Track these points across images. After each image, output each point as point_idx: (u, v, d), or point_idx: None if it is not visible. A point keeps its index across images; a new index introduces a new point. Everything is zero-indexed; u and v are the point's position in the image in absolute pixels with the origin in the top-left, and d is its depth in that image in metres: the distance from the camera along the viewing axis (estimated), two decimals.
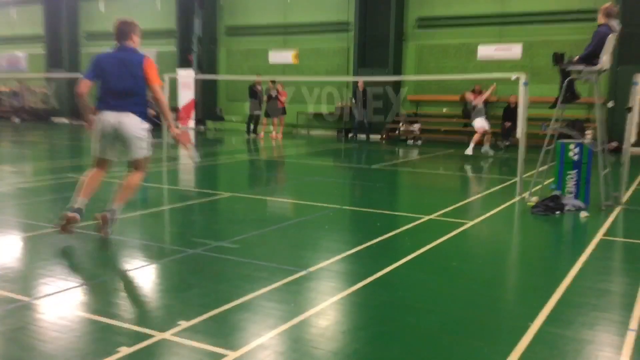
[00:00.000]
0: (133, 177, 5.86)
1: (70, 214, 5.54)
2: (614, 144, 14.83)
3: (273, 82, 19.02)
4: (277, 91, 19.01)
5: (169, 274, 4.85)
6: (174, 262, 5.12)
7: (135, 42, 5.86)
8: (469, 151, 14.46)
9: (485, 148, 14.66)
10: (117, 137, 5.67)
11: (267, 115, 19.27)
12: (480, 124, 14.55)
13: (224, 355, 3.25)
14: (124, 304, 4.08)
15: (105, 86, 5.67)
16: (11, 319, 3.74)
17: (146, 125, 5.79)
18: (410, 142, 18.15)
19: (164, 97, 5.92)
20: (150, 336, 3.48)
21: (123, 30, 5.80)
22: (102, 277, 4.70)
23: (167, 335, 3.50)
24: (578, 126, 13.77)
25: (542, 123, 15.28)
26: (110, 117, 5.60)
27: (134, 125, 5.63)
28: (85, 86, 5.67)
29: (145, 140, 5.77)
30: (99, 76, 5.68)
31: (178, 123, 5.93)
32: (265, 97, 18.98)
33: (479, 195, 8.86)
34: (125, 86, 5.62)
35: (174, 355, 3.28)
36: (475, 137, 14.59)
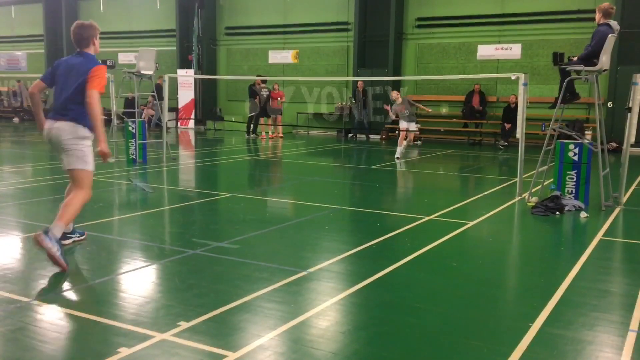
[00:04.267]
0: (72, 195, 5.08)
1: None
2: (614, 144, 14.85)
3: (264, 81, 18.99)
4: (269, 91, 18.98)
5: (169, 275, 4.85)
6: (174, 262, 5.12)
7: (95, 48, 5.30)
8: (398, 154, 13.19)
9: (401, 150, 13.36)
10: (54, 146, 5.18)
11: (265, 115, 19.27)
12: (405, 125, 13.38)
13: (224, 356, 3.25)
14: (124, 305, 4.08)
15: (54, 93, 5.24)
16: (11, 320, 3.74)
17: (86, 134, 5.09)
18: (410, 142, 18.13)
19: (98, 106, 4.96)
20: (150, 337, 3.48)
21: (81, 35, 5.22)
22: (102, 278, 4.70)
23: (167, 335, 3.50)
24: (578, 126, 13.84)
25: (542, 123, 15.31)
26: (48, 125, 5.14)
27: (66, 132, 5.02)
28: (36, 86, 5.28)
29: (80, 150, 5.06)
30: (52, 82, 5.26)
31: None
32: (257, 98, 18.96)
33: (479, 196, 8.86)
34: (67, 93, 5.08)
35: (174, 355, 3.28)
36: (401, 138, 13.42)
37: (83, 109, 5.00)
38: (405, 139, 13.34)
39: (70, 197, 5.08)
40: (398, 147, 13.31)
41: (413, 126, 13.47)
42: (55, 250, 4.66)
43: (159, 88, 14.67)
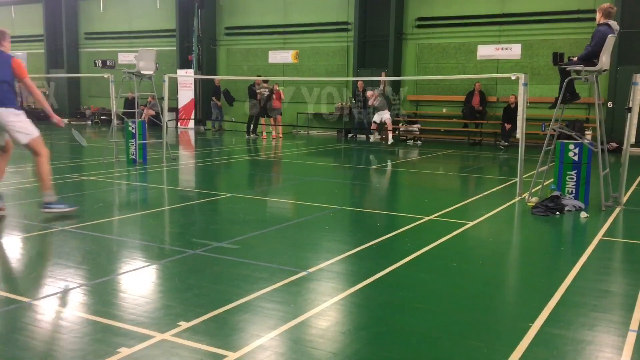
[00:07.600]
0: (37, 165, 6.69)
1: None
2: (614, 144, 14.85)
3: (265, 81, 19.01)
4: (270, 90, 18.98)
5: (169, 275, 4.85)
6: (174, 262, 5.12)
7: (6, 48, 6.63)
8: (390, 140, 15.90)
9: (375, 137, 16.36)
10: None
11: (265, 115, 19.26)
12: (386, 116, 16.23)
13: (224, 356, 3.25)
14: (124, 305, 4.08)
15: None
16: (11, 320, 3.74)
17: (18, 112, 6.58)
18: (410, 142, 18.16)
19: (36, 89, 6.86)
20: (150, 337, 3.48)
21: None
22: (102, 277, 4.70)
23: (167, 335, 3.50)
24: (578, 126, 13.84)
25: (542, 123, 15.31)
26: None
27: (5, 115, 6.43)
28: None
29: (20, 126, 6.56)
30: None
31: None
32: (257, 96, 18.96)
33: (479, 196, 8.86)
34: None
35: (174, 355, 3.28)
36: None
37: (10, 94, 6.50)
38: (376, 130, 16.26)
39: (37, 168, 6.68)
40: (389, 134, 15.93)
41: (386, 114, 15.85)
42: (62, 208, 6.65)
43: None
